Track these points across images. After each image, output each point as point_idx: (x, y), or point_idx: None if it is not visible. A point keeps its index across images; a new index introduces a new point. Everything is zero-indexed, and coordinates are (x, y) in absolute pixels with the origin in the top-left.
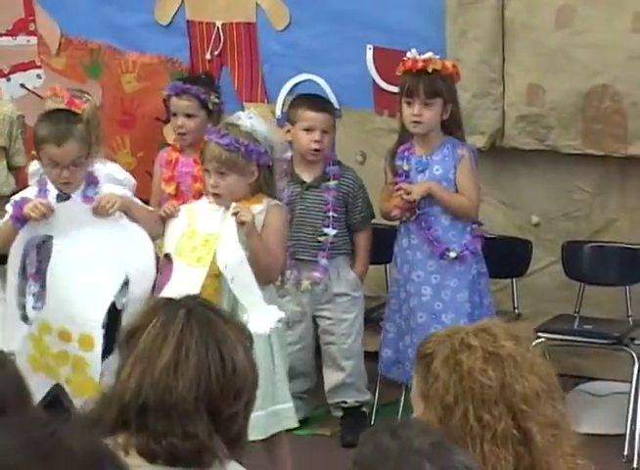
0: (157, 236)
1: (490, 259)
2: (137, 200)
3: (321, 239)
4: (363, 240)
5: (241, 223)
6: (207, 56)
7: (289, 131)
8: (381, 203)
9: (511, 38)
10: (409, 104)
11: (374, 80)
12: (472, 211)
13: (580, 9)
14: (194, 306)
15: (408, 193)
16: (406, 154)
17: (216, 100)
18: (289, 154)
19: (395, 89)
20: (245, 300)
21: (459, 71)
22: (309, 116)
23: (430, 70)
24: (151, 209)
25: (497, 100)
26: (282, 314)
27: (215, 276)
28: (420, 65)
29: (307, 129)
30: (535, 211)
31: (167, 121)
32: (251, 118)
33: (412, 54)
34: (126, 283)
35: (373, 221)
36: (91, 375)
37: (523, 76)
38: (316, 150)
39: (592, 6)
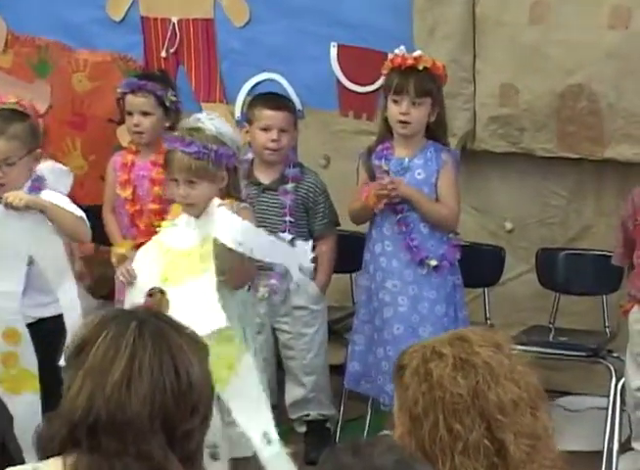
0: (80, 237)
1: (461, 268)
2: (68, 204)
3: None
4: (325, 248)
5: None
6: (163, 54)
7: (247, 132)
8: (352, 204)
9: (482, 35)
10: (396, 102)
11: (338, 80)
12: (452, 221)
13: (555, 4)
14: (146, 318)
15: (393, 188)
16: (385, 153)
17: (174, 97)
18: (249, 155)
19: (361, 89)
20: (268, 255)
21: (447, 74)
22: (266, 114)
23: (420, 68)
24: (78, 212)
25: (468, 100)
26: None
27: None
28: (410, 62)
29: (264, 128)
30: (509, 217)
31: (121, 123)
32: (212, 120)
33: (400, 51)
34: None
35: (338, 228)
36: (25, 367)
37: (495, 76)
38: (273, 149)
39: (567, 1)
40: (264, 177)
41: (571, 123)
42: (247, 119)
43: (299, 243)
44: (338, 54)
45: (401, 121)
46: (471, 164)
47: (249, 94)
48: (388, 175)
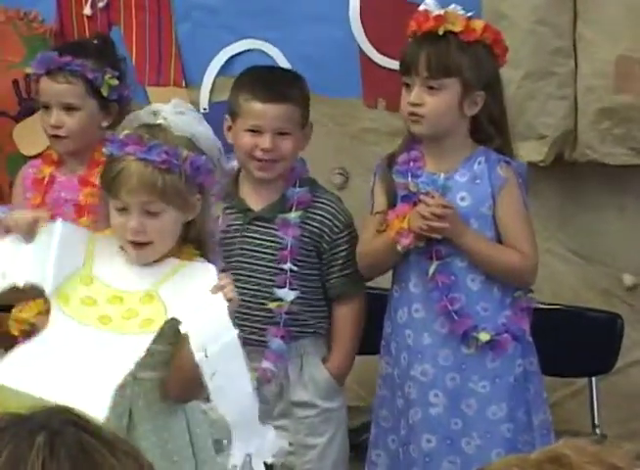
0: None
1: (554, 347)
2: None
3: (272, 306)
4: (347, 315)
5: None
6: (87, 10)
7: (230, 129)
8: (364, 244)
9: None
10: (408, 87)
11: (362, 50)
12: (528, 273)
13: None
14: (60, 428)
15: (443, 217)
16: (412, 166)
17: (114, 81)
18: (233, 164)
19: (398, 65)
20: (230, 411)
21: (502, 40)
22: (255, 108)
23: (441, 33)
24: None
25: (565, 83)
26: (285, 443)
27: None
28: (429, 24)
29: (253, 129)
30: (630, 268)
31: (20, 118)
32: (181, 114)
33: (425, 6)
34: None
35: (368, 284)
36: None
37: (607, 45)
38: (264, 161)
39: None
40: (255, 200)
41: None
42: (230, 111)
43: (270, 431)
44: (361, 10)
45: (411, 114)
46: (570, 184)
47: (221, 73)
48: (413, 205)
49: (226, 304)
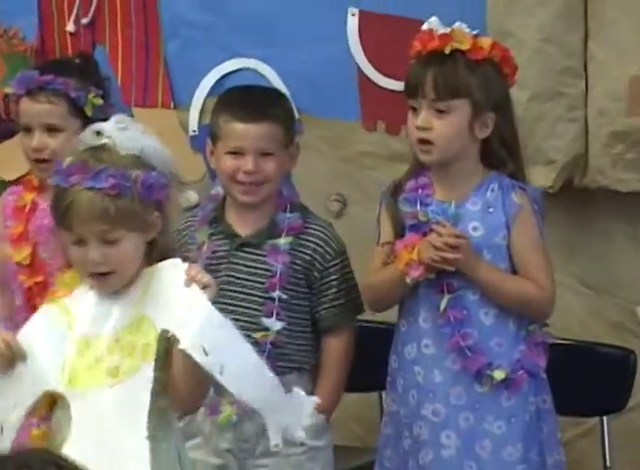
0: None
1: (564, 384)
2: None
3: (257, 337)
4: (336, 347)
5: (204, 287)
6: (70, 27)
7: (212, 153)
8: (370, 276)
9: (598, 1)
10: (414, 110)
11: (360, 69)
12: (544, 303)
13: None
14: (42, 468)
15: (456, 248)
16: (420, 194)
17: (98, 100)
18: (218, 190)
19: (398, 85)
20: (256, 397)
21: (511, 58)
22: (236, 129)
23: (447, 52)
24: None
25: (576, 105)
26: (314, 400)
27: None
28: (434, 43)
29: (234, 152)
30: None
31: (0, 140)
32: (124, 130)
33: (429, 25)
34: None
35: (362, 317)
36: None
37: (620, 65)
38: (249, 183)
39: None
40: (241, 225)
41: None
42: (211, 134)
43: (296, 392)
44: (359, 28)
45: (420, 140)
46: (579, 212)
47: (212, 94)
48: (423, 235)
49: (203, 293)
